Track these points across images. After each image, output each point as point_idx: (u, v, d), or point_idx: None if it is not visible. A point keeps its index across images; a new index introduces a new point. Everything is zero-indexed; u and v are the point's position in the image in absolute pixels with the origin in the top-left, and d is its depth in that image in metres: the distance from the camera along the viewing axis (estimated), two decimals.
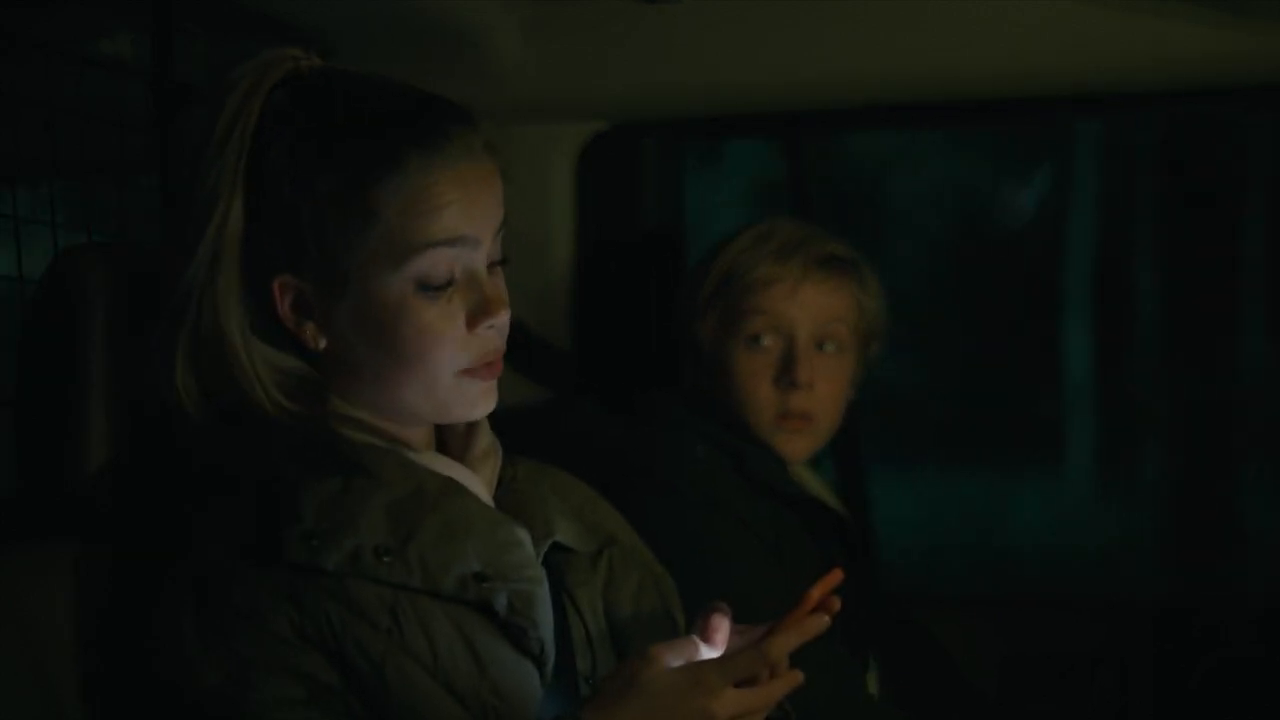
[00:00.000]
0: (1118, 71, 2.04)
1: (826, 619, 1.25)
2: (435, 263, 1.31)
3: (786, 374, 1.94)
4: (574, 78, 2.17)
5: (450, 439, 1.46)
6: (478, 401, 1.37)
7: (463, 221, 1.32)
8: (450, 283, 1.32)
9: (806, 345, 1.95)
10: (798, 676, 1.25)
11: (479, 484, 1.42)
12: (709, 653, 1.25)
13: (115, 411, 1.41)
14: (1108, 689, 2.30)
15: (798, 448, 1.98)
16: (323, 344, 1.35)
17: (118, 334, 1.41)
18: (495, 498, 1.45)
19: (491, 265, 1.36)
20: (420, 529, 1.31)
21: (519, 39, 2.15)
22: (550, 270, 2.24)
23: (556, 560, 1.45)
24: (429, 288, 1.31)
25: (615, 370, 2.29)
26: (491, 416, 1.49)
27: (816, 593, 1.25)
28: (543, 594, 1.35)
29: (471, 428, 1.47)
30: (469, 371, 1.34)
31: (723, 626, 1.26)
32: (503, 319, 1.35)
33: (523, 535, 1.37)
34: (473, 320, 1.33)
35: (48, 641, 1.35)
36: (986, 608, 2.48)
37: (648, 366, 2.23)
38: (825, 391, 1.96)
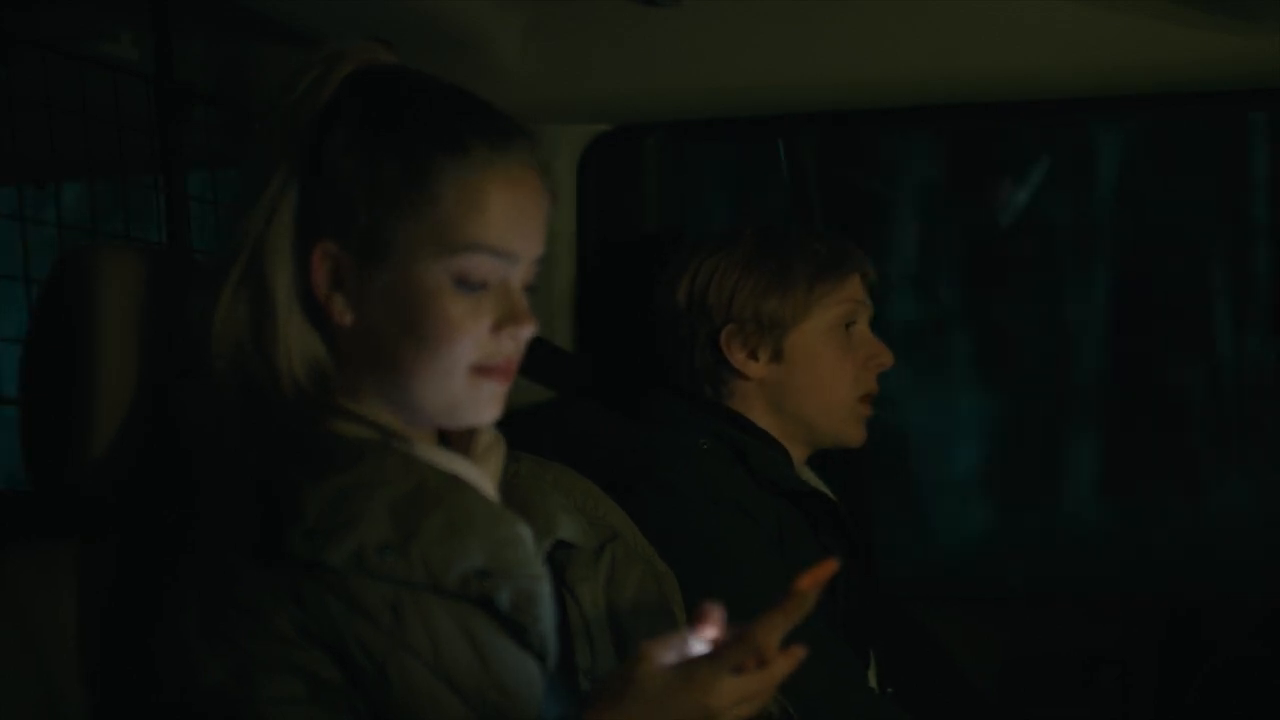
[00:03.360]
0: (1117, 72, 2.04)
1: (809, 599, 1.24)
2: (477, 264, 1.33)
3: (874, 358, 2.02)
4: (575, 79, 2.17)
5: (454, 433, 1.46)
6: (485, 406, 1.38)
7: (510, 232, 1.35)
8: (485, 285, 1.34)
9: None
10: (798, 653, 1.25)
11: (484, 478, 1.42)
12: (703, 649, 1.25)
13: (119, 411, 1.41)
14: (1108, 689, 2.30)
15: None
16: (349, 319, 1.35)
17: (122, 334, 1.41)
18: (499, 493, 1.45)
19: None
20: (423, 526, 1.31)
21: (519, 39, 2.15)
22: (551, 270, 2.24)
23: (558, 556, 1.45)
24: (465, 285, 1.33)
25: (615, 370, 2.29)
26: None
27: (807, 582, 1.25)
28: (545, 591, 1.35)
29: None
30: (482, 371, 1.35)
31: (714, 622, 1.26)
32: (527, 330, 1.37)
33: (524, 532, 1.37)
34: (498, 325, 1.35)
35: (51, 638, 1.35)
36: (987, 607, 2.49)
37: (648, 366, 2.23)
38: None
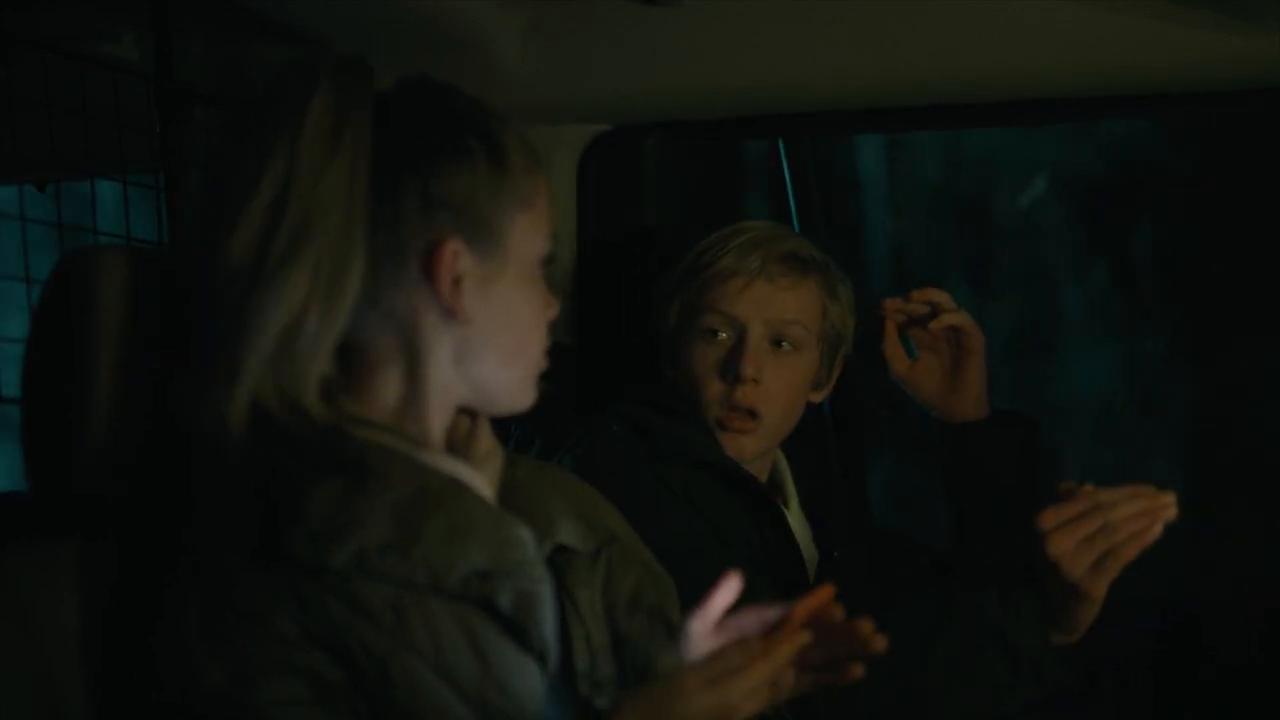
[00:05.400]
0: (1117, 72, 2.04)
1: (805, 637, 1.25)
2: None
3: (732, 367, 1.94)
4: (575, 79, 2.17)
5: (453, 439, 1.47)
6: (530, 393, 1.45)
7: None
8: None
9: (757, 340, 1.94)
10: (804, 636, 1.26)
11: (483, 483, 1.43)
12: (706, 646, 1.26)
13: (119, 411, 1.41)
14: (1108, 689, 2.30)
15: (742, 447, 1.97)
16: (474, 316, 1.37)
17: (122, 335, 1.41)
18: (498, 497, 1.45)
19: None
20: (425, 528, 1.31)
21: (519, 39, 2.15)
22: (550, 270, 2.23)
23: (557, 559, 1.45)
24: (541, 268, 1.44)
25: (615, 369, 2.29)
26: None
27: (801, 610, 1.25)
28: (546, 593, 1.36)
29: (474, 428, 1.47)
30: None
31: (711, 620, 1.26)
32: (554, 313, 1.46)
33: (526, 534, 1.38)
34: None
35: (51, 638, 1.36)
36: None
37: (648, 366, 2.23)
38: (774, 388, 1.95)
